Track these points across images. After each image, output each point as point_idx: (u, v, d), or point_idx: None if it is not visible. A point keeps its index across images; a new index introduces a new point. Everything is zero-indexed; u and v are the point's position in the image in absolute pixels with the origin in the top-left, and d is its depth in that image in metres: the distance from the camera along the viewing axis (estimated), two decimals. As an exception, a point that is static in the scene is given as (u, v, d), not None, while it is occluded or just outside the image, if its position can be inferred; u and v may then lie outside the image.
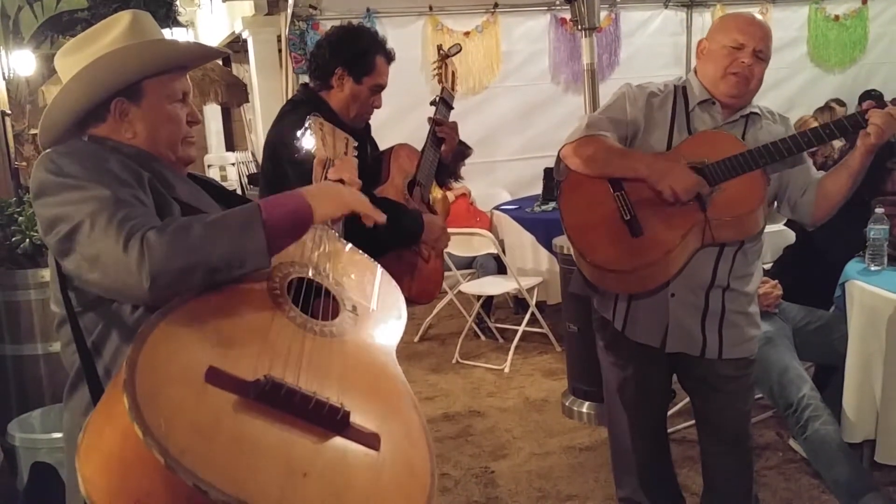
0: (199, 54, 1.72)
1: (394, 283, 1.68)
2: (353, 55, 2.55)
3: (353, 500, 1.15)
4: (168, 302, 1.29)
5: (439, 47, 2.90)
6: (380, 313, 1.56)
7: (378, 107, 2.67)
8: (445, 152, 2.77)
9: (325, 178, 1.70)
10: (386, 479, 1.21)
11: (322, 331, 1.38)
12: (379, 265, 1.70)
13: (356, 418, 1.23)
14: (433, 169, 2.75)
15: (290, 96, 4.52)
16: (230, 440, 1.12)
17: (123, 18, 1.57)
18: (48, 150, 1.50)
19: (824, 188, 2.35)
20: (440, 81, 2.82)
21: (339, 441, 1.20)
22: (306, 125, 1.78)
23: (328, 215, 1.49)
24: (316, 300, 1.44)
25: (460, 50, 2.92)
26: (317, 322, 1.39)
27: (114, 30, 1.56)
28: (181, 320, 1.27)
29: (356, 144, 1.88)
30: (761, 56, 2.34)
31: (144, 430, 1.06)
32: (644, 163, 2.32)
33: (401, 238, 2.54)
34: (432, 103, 2.76)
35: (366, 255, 1.72)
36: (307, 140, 1.77)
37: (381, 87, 2.62)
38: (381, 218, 1.57)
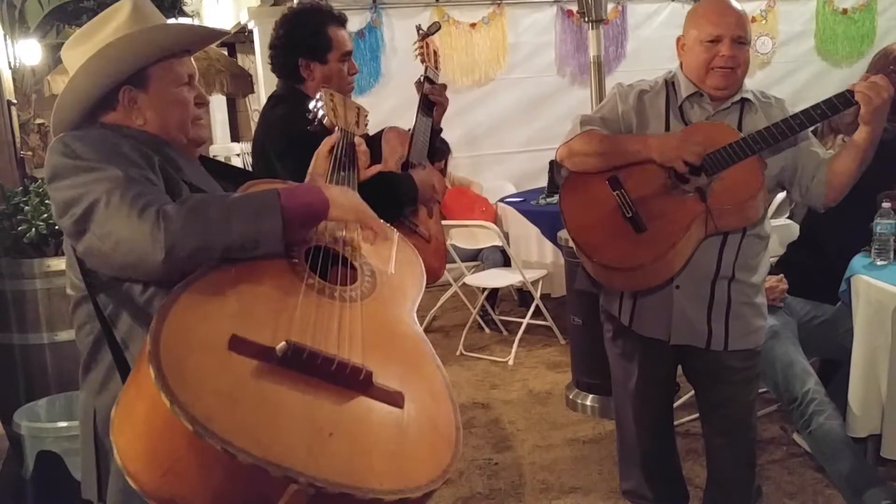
0: (200, 36, 1.73)
1: (411, 245, 1.71)
2: (307, 41, 2.48)
3: (379, 457, 1.17)
4: (179, 279, 1.31)
5: (418, 27, 2.84)
6: (398, 276, 1.58)
7: (355, 72, 2.61)
8: (437, 118, 2.74)
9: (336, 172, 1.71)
10: (411, 435, 1.24)
11: (341, 296, 1.41)
12: (395, 229, 1.72)
13: (379, 378, 1.25)
14: (426, 139, 2.68)
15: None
16: (255, 404, 1.14)
17: (124, 7, 1.59)
18: (61, 135, 1.52)
19: (833, 168, 2.32)
20: (422, 61, 2.79)
21: (363, 400, 1.23)
22: (318, 97, 1.78)
23: (340, 218, 1.53)
24: (334, 267, 1.47)
25: (439, 28, 2.88)
26: (335, 287, 1.42)
27: (115, 19, 1.58)
28: (201, 291, 1.30)
29: (367, 113, 1.87)
30: (742, 41, 2.30)
31: (171, 398, 1.08)
32: (645, 143, 2.32)
33: (402, 203, 2.52)
34: (417, 83, 2.72)
35: (381, 220, 1.73)
36: (319, 112, 1.77)
37: (349, 53, 2.56)
38: (385, 235, 1.61)
